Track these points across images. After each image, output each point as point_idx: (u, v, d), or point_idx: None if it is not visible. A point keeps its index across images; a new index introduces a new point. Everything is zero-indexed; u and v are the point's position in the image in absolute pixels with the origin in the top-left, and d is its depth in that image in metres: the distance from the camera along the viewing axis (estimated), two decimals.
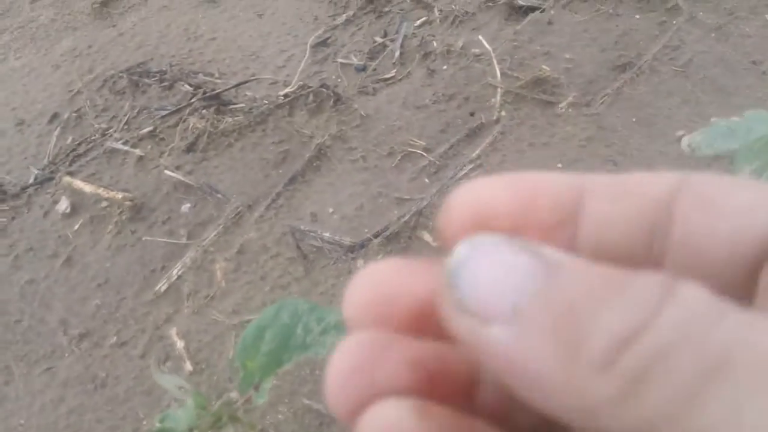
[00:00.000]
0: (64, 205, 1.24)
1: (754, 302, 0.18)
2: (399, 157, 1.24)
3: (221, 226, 1.18)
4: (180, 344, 1.06)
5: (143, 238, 1.18)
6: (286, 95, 1.34)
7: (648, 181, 0.20)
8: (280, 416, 1.00)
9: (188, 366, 1.04)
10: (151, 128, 1.34)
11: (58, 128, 1.43)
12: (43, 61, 1.67)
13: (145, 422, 1.02)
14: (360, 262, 1.11)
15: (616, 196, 0.20)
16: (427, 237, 1.14)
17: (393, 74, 1.40)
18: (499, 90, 1.31)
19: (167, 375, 0.92)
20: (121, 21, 1.74)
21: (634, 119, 1.26)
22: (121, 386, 1.04)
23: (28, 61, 1.69)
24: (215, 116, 1.32)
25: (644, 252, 0.20)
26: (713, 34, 1.39)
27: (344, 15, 1.59)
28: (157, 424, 0.82)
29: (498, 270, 0.18)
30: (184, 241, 1.17)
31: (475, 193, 0.20)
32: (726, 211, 0.19)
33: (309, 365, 1.02)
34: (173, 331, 1.08)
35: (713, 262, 0.19)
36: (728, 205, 0.19)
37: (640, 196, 0.20)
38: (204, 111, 1.33)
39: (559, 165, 1.20)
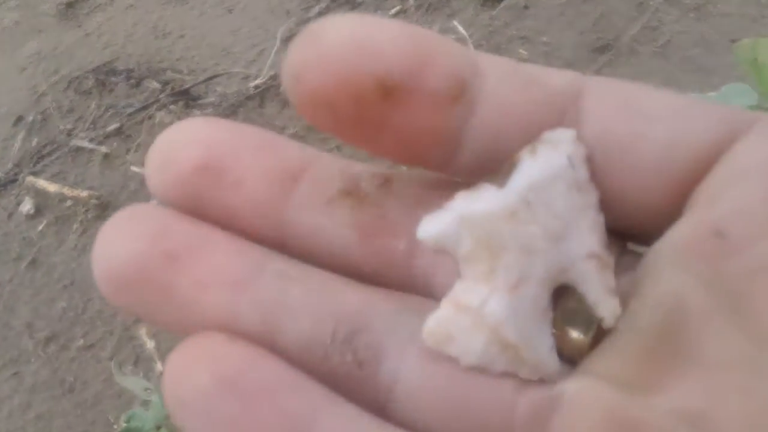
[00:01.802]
0: (27, 206, 1.23)
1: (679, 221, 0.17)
2: None
3: None
4: (150, 344, 1.05)
5: None
6: (256, 87, 1.34)
7: (549, 73, 0.18)
8: None
9: (159, 367, 1.03)
10: (117, 126, 1.33)
11: (23, 131, 1.42)
12: (7, 65, 1.66)
13: (115, 426, 1.01)
14: None
15: (515, 82, 0.18)
16: None
17: None
18: None
19: (131, 377, 0.91)
20: (87, 21, 1.73)
21: None
22: (90, 390, 1.03)
23: None
24: (184, 111, 1.32)
25: None
26: (692, 14, 1.40)
27: (317, 7, 1.59)
28: (124, 424, 0.81)
29: None
30: None
31: (359, 28, 0.17)
32: (655, 118, 0.17)
33: None
34: (143, 332, 1.07)
35: (636, 171, 0.17)
36: (657, 112, 0.17)
37: (542, 87, 0.18)
38: (172, 106, 1.33)
39: None
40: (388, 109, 0.17)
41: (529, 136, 0.18)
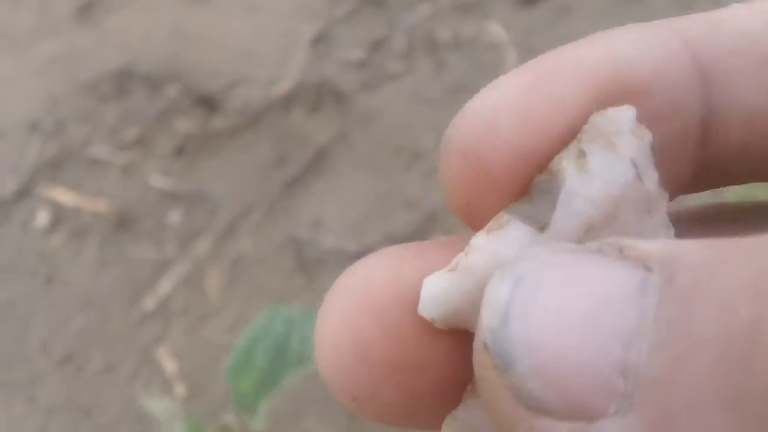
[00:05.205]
0: (43, 218, 1.23)
1: None
2: (407, 156, 1.22)
3: (213, 237, 1.17)
4: (171, 367, 1.04)
5: (129, 252, 1.17)
6: (282, 92, 1.33)
7: None
8: None
9: (181, 390, 1.02)
10: (136, 134, 1.33)
11: (38, 139, 1.42)
12: (22, 68, 1.67)
13: None
14: None
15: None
16: None
17: (398, 68, 1.38)
18: None
19: (156, 399, 0.90)
20: (105, 23, 1.73)
21: None
22: (108, 414, 1.03)
23: (6, 68, 1.69)
24: (205, 118, 1.31)
25: None
26: None
27: (344, 8, 1.57)
28: None
29: (585, 307, 0.10)
30: (173, 254, 1.16)
31: (516, 96, 0.13)
32: None
33: (313, 381, 0.99)
34: (163, 353, 1.06)
35: None
36: None
37: None
38: (193, 113, 1.32)
39: None
40: None
41: None
